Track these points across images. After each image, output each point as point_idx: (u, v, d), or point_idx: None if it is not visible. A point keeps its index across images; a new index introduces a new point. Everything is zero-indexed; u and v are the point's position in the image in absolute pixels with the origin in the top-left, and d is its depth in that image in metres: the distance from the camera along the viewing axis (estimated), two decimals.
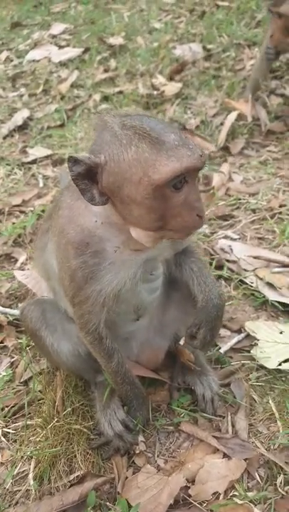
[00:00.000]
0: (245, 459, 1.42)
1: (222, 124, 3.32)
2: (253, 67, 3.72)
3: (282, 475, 1.38)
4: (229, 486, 1.36)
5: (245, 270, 2.13)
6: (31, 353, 1.82)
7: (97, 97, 3.84)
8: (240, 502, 1.31)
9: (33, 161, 3.11)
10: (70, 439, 1.48)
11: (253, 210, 2.55)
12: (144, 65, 4.30)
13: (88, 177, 1.10)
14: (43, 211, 2.61)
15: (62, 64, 4.67)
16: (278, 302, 1.94)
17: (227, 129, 3.15)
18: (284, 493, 1.34)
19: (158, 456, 1.49)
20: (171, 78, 4.02)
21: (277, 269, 2.13)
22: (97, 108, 3.70)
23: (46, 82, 4.31)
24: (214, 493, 1.35)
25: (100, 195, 1.12)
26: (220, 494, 1.35)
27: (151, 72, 4.18)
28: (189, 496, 1.35)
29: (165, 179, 1.04)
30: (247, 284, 2.06)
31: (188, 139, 1.10)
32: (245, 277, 2.08)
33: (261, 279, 2.06)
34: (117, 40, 4.81)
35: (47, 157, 3.16)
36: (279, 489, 1.35)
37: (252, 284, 2.04)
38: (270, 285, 2.02)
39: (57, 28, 5.31)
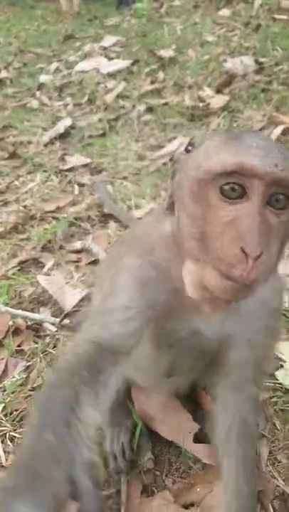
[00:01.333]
0: (259, 490, 1.28)
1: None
2: None
3: None
4: None
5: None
6: (46, 360, 1.77)
7: (141, 107, 3.84)
8: None
9: (71, 169, 3.13)
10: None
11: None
12: (192, 78, 4.26)
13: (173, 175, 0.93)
14: (75, 218, 2.59)
15: (110, 75, 4.73)
16: None
17: None
18: None
19: (166, 475, 1.38)
20: (218, 91, 3.94)
21: None
22: (140, 119, 3.69)
23: (92, 92, 4.38)
24: None
25: (168, 198, 0.93)
26: None
27: (199, 85, 4.13)
28: None
29: (211, 171, 0.79)
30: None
31: (280, 153, 0.79)
32: None
33: None
34: (167, 53, 4.82)
35: (85, 165, 3.17)
36: None
37: (284, 302, 1.89)
38: None
39: (108, 40, 5.42)
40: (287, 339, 1.77)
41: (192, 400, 1.53)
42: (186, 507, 1.29)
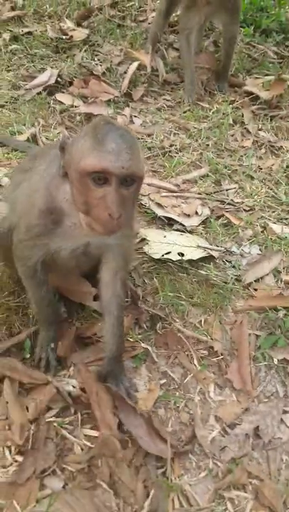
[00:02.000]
0: (136, 317, 2.08)
1: (125, 72, 3.75)
2: (153, 21, 4.13)
3: (160, 323, 2.07)
4: (126, 332, 2.00)
5: (141, 194, 2.72)
6: None
7: (6, 36, 3.97)
8: (131, 340, 1.98)
9: None
10: (9, 313, 1.99)
11: (149, 148, 3.11)
12: (51, 7, 4.45)
13: (62, 151, 1.44)
14: None
15: None
16: (164, 217, 2.58)
17: (129, 78, 3.60)
18: (161, 333, 2.04)
19: (75, 321, 2.08)
20: (78, 24, 4.26)
21: (165, 194, 2.76)
22: (7, 48, 3.85)
23: None
24: None
25: (62, 168, 1.45)
26: None
27: (59, 15, 4.37)
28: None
29: (85, 170, 1.31)
30: (142, 204, 2.66)
31: (129, 154, 1.31)
32: (141, 199, 2.67)
33: (152, 200, 2.67)
34: None
35: None
36: (158, 331, 2.04)
37: (145, 205, 2.65)
38: (159, 205, 2.65)
39: None
40: (148, 228, 2.54)
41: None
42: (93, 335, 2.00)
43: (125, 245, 1.73)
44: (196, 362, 2.00)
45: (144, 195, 2.73)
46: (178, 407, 1.86)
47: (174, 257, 2.30)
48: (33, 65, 3.75)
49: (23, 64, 3.77)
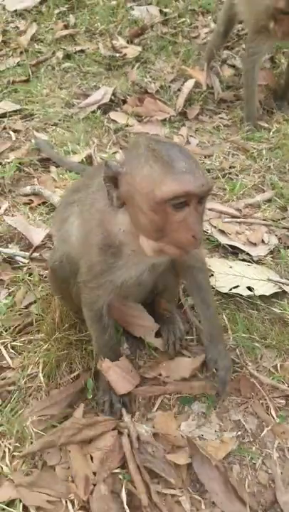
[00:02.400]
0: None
1: (179, 89, 3.64)
2: (210, 39, 4.00)
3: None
4: (193, 374, 1.83)
5: None
6: (30, 285, 2.12)
7: (59, 54, 3.95)
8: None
9: (3, 115, 3.24)
10: (69, 348, 1.86)
11: (208, 170, 2.96)
12: (102, 24, 4.42)
13: (113, 181, 1.35)
14: (21, 163, 2.81)
15: (18, 14, 4.63)
16: (228, 245, 2.41)
17: (185, 96, 3.48)
18: (232, 377, 1.85)
19: (138, 358, 1.92)
20: (130, 41, 4.21)
21: (227, 220, 2.59)
22: (60, 66, 3.83)
23: (4, 32, 4.29)
24: (182, 379, 1.82)
25: (117, 199, 1.36)
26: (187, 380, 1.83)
27: (111, 33, 4.33)
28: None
29: (166, 197, 1.24)
30: (204, 231, 2.50)
31: (199, 169, 1.28)
32: None
33: (215, 227, 2.50)
34: None
35: (16, 112, 3.30)
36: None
37: (207, 231, 2.48)
38: (222, 232, 2.48)
39: None
40: (211, 258, 2.37)
41: (152, 308, 2.02)
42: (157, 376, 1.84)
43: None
44: (273, 412, 1.79)
45: (205, 221, 2.56)
46: (254, 464, 1.66)
47: (244, 291, 2.12)
48: (86, 83, 3.70)
49: (76, 82, 3.72)
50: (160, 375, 1.85)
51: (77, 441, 1.59)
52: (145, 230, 1.34)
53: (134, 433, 1.62)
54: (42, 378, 1.77)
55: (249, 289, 2.13)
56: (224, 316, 2.05)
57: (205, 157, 3.06)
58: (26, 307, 2.03)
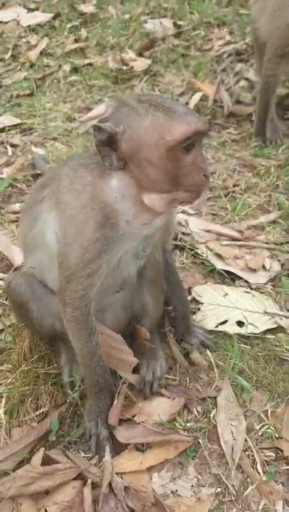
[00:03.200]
0: (186, 398, 1.70)
1: (187, 103, 3.48)
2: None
3: (215, 409, 1.67)
4: (171, 419, 1.63)
5: (197, 242, 2.37)
6: (0, 310, 2.00)
7: (66, 67, 3.89)
8: (180, 427, 1.60)
9: (2, 129, 3.18)
10: (37, 381, 1.70)
11: (210, 189, 2.78)
12: (114, 38, 4.35)
13: (108, 144, 1.27)
14: (14, 179, 2.72)
15: (32, 29, 4.62)
16: (224, 271, 2.21)
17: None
18: (215, 422, 1.64)
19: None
20: (140, 54, 4.11)
21: (225, 242, 2.39)
22: (66, 79, 3.76)
23: (15, 47, 4.28)
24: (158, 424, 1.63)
25: (117, 161, 1.29)
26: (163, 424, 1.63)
27: (122, 46, 4.25)
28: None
29: (178, 140, 1.23)
30: (198, 254, 2.31)
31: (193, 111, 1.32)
32: (197, 248, 2.33)
33: (211, 250, 2.31)
34: (88, 8, 4.80)
35: (15, 126, 3.23)
36: (212, 419, 1.65)
37: (202, 255, 2.29)
38: (219, 256, 2.28)
39: None
40: (204, 283, 2.18)
41: (131, 337, 1.84)
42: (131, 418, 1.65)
43: (170, 217, 1.67)
44: (259, 467, 1.57)
45: (201, 243, 2.38)
46: None
47: (232, 327, 1.91)
48: (91, 96, 3.60)
49: (81, 95, 3.63)
50: (134, 416, 1.66)
51: (30, 493, 1.42)
52: (157, 183, 1.30)
53: (106, 481, 1.44)
54: (2, 415, 1.62)
55: (239, 324, 1.92)
56: (208, 351, 1.85)
57: None
58: None
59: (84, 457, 1.57)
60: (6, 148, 3.04)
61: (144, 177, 1.30)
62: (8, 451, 1.48)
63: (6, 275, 2.11)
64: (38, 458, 1.49)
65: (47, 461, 1.50)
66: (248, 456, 1.60)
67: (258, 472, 1.56)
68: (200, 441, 1.62)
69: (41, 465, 1.45)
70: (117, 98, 1.40)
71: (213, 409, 1.69)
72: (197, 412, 1.70)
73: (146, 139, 1.25)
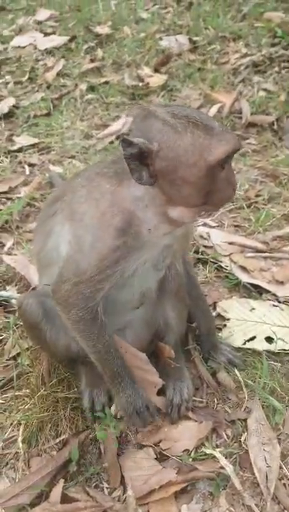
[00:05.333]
0: (214, 421, 1.59)
1: None
2: None
3: (246, 432, 1.55)
4: (198, 444, 1.52)
5: (221, 255, 2.28)
6: (18, 332, 1.94)
7: (83, 86, 3.92)
8: (209, 452, 1.49)
9: (20, 149, 3.20)
10: (56, 407, 1.62)
11: (232, 201, 2.69)
12: (130, 56, 4.37)
13: (139, 159, 1.22)
14: (31, 198, 2.71)
15: (48, 52, 4.70)
16: (250, 284, 2.10)
17: None
18: (247, 447, 1.52)
19: None
20: (156, 70, 4.11)
21: (250, 254, 2.29)
22: (83, 98, 3.78)
23: (32, 70, 4.36)
24: (185, 450, 1.52)
25: (149, 177, 1.25)
26: (190, 452, 1.52)
27: (138, 63, 4.26)
28: (161, 451, 1.51)
29: (219, 160, 1.22)
30: (222, 267, 2.22)
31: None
32: (220, 261, 2.23)
33: (235, 263, 2.21)
34: (103, 30, 4.86)
35: (33, 145, 3.25)
36: (243, 444, 1.52)
37: (226, 268, 2.20)
38: (243, 268, 2.18)
39: (42, 14, 5.32)
40: (230, 298, 2.08)
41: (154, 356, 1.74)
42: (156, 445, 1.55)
43: (189, 226, 1.62)
44: None
45: (225, 256, 2.28)
46: None
47: (261, 344, 1.80)
48: (108, 113, 3.60)
49: (98, 113, 3.64)
50: (159, 443, 1.56)
51: None
52: (188, 199, 1.28)
53: None
54: (21, 444, 1.54)
55: (269, 340, 1.80)
56: (236, 371, 1.74)
57: None
58: (14, 358, 1.83)
59: (107, 488, 1.47)
60: (23, 167, 3.04)
61: (176, 193, 1.27)
62: (25, 484, 1.39)
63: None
64: (57, 493, 1.39)
65: (66, 497, 1.41)
66: (285, 485, 1.48)
67: None
68: (230, 467, 1.49)
69: (60, 502, 1.36)
70: (141, 107, 1.33)
71: (243, 432, 1.57)
72: (227, 436, 1.59)
73: (185, 159, 1.21)
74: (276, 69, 4.05)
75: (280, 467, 1.50)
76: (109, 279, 1.37)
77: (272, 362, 1.77)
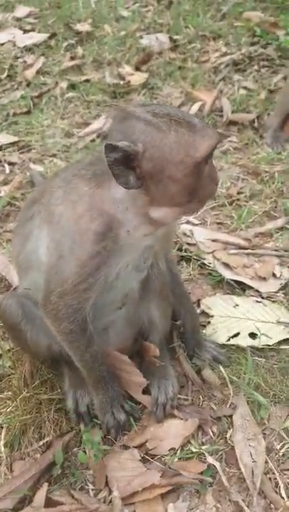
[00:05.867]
0: (200, 419, 1.58)
1: None
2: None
3: (232, 428, 1.55)
4: (184, 442, 1.52)
5: (204, 252, 2.28)
6: (0, 333, 1.90)
7: (64, 84, 3.87)
8: (195, 450, 1.48)
9: None
10: (39, 409, 1.59)
11: (214, 198, 2.69)
12: (111, 54, 4.34)
13: (124, 163, 1.18)
14: (12, 197, 2.66)
15: (28, 49, 4.63)
16: (233, 280, 2.11)
17: None
18: (232, 443, 1.52)
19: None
20: (137, 68, 4.09)
21: (233, 251, 2.30)
22: (64, 96, 3.73)
23: (11, 67, 4.28)
24: (171, 449, 1.51)
25: (136, 180, 1.21)
26: (176, 450, 1.51)
27: (118, 62, 4.24)
28: (147, 451, 1.50)
29: (204, 156, 1.22)
30: (206, 264, 2.22)
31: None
32: (204, 258, 2.23)
33: (218, 260, 2.22)
34: (84, 27, 4.81)
35: (13, 144, 3.19)
36: (228, 440, 1.52)
37: (210, 265, 2.20)
38: (227, 265, 2.19)
39: (21, 10, 5.23)
40: (213, 295, 2.08)
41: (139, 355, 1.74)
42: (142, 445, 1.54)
43: (170, 226, 1.58)
44: (283, 491, 1.45)
45: (208, 253, 2.28)
46: None
47: (244, 340, 1.80)
48: (89, 112, 3.57)
49: (79, 111, 3.60)
50: (145, 443, 1.54)
51: None
52: (174, 198, 1.25)
53: None
54: (2, 448, 1.51)
55: (252, 336, 1.81)
56: (221, 367, 1.74)
57: None
58: None
59: (92, 489, 1.45)
60: (3, 166, 2.99)
61: (162, 193, 1.24)
62: (7, 488, 1.36)
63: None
64: (40, 497, 1.37)
65: (51, 500, 1.38)
66: (270, 479, 1.49)
67: (282, 497, 1.44)
68: (216, 464, 1.49)
69: (44, 506, 1.33)
70: (119, 108, 1.30)
71: (229, 429, 1.57)
72: (212, 433, 1.59)
73: (171, 157, 1.20)
74: (256, 67, 4.08)
75: (266, 462, 1.50)
76: (93, 287, 1.35)
77: (256, 358, 1.78)
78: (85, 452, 1.50)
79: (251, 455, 1.50)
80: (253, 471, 1.47)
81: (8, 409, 1.58)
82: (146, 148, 1.19)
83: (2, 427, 1.55)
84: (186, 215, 1.45)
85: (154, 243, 1.46)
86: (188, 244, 2.33)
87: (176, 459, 1.49)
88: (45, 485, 1.40)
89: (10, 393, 1.62)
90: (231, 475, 1.49)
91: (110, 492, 1.43)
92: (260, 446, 1.52)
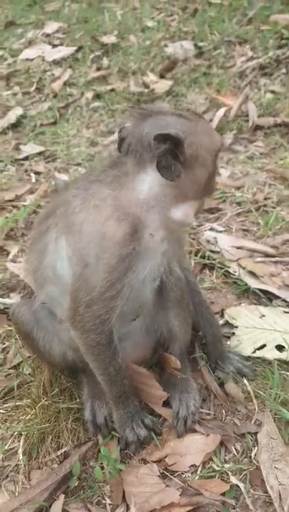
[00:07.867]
0: (222, 435, 1.51)
1: (211, 120, 3.39)
2: None
3: (257, 447, 1.46)
4: (206, 459, 1.45)
5: (228, 260, 2.21)
6: (21, 341, 1.90)
7: (89, 95, 3.92)
8: (217, 469, 1.40)
9: (26, 158, 3.19)
10: (57, 417, 1.56)
11: (239, 203, 2.62)
12: (135, 63, 4.37)
13: (172, 153, 1.22)
14: (37, 206, 2.68)
15: (56, 63, 4.74)
16: (259, 290, 2.02)
17: (215, 125, 3.22)
18: (257, 463, 1.43)
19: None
20: (162, 76, 4.09)
21: (259, 259, 2.21)
22: (89, 106, 3.77)
23: (40, 80, 4.38)
24: (192, 466, 1.44)
25: (181, 169, 1.24)
26: (197, 467, 1.44)
27: (143, 70, 4.25)
28: (166, 466, 1.43)
29: (219, 146, 1.36)
30: (230, 273, 2.14)
31: None
32: (228, 267, 2.16)
33: (244, 268, 2.14)
34: (109, 39, 4.88)
35: (39, 153, 3.24)
36: (253, 459, 1.44)
37: (234, 273, 2.12)
38: (252, 274, 2.10)
39: (50, 27, 5.37)
40: (238, 305, 2.00)
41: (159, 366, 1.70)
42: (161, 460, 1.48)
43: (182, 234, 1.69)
44: None
45: (233, 261, 2.21)
46: None
47: (270, 353, 1.71)
48: (114, 121, 3.59)
49: (104, 120, 3.62)
50: (165, 457, 1.48)
51: None
52: (200, 188, 1.31)
53: None
54: (21, 456, 1.49)
55: (279, 348, 1.72)
56: (245, 380, 1.66)
57: (236, 189, 2.74)
58: (16, 366, 1.79)
59: (109, 504, 1.40)
60: (29, 175, 3.03)
61: (191, 183, 1.28)
62: (24, 498, 1.33)
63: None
64: (57, 508, 1.33)
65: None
66: None
67: None
68: (240, 485, 1.41)
69: None
70: (140, 107, 1.34)
71: (254, 447, 1.49)
72: (236, 450, 1.50)
73: (204, 144, 1.28)
74: (283, 70, 3.99)
75: None
76: (119, 294, 1.30)
77: (283, 371, 1.68)
78: (102, 467, 1.45)
79: (277, 477, 1.41)
80: (280, 495, 1.38)
81: (27, 417, 1.56)
82: (186, 136, 1.23)
83: (21, 435, 1.54)
84: (196, 215, 1.43)
85: (170, 249, 1.42)
86: (212, 251, 2.27)
87: (196, 477, 1.42)
88: (62, 497, 1.36)
89: (29, 401, 1.61)
90: (256, 497, 1.41)
91: (128, 508, 1.38)
92: (287, 468, 1.42)
